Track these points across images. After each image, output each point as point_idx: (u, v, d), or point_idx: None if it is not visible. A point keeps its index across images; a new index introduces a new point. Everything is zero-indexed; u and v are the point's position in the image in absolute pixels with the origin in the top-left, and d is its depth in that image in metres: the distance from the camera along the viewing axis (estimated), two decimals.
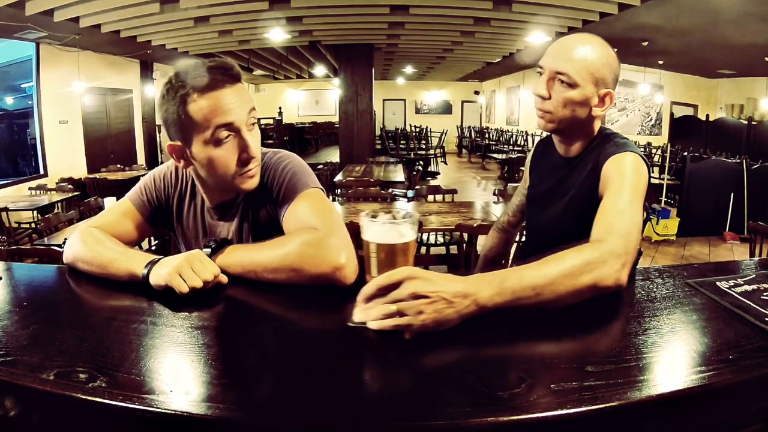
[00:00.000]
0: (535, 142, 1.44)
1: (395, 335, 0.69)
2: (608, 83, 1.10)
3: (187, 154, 0.98)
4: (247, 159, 0.98)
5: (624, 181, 1.00)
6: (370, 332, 0.70)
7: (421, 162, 10.78)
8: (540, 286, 0.74)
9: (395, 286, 0.70)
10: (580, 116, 1.11)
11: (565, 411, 0.54)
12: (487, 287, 0.72)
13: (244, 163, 0.98)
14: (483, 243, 1.71)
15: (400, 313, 0.68)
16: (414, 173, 7.68)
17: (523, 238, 1.66)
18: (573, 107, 1.10)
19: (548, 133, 1.25)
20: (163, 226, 1.19)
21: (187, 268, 0.85)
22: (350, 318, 0.74)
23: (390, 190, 4.67)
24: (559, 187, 1.22)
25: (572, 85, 1.08)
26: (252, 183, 1.02)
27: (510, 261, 1.66)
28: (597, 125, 1.17)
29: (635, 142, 9.75)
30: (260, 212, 1.09)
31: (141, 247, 1.21)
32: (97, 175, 6.71)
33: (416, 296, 0.68)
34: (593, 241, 0.86)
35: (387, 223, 0.75)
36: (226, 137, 0.95)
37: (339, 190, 5.02)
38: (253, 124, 1.00)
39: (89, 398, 0.57)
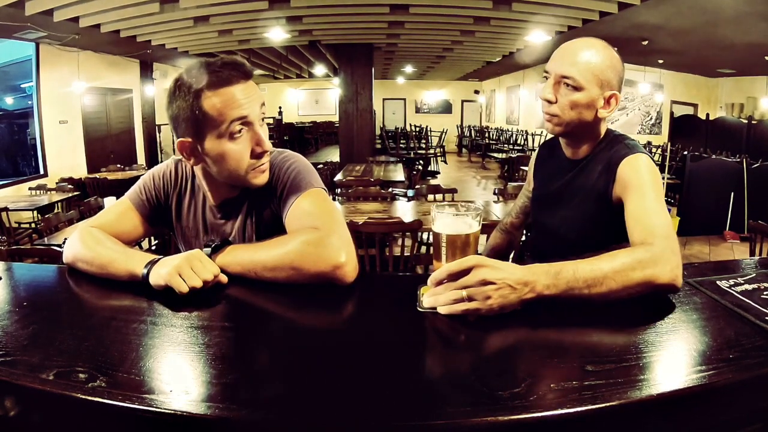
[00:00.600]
0: (538, 145, 1.46)
1: (460, 320, 0.75)
2: (613, 85, 1.12)
3: (199, 150, 0.99)
4: (261, 152, 0.99)
5: (646, 184, 1.03)
6: (440, 316, 0.76)
7: (421, 161, 10.77)
8: (591, 278, 0.79)
9: (465, 272, 0.76)
10: (587, 118, 1.13)
11: (565, 410, 0.54)
12: (544, 277, 0.77)
13: (258, 156, 1.00)
14: (483, 242, 1.71)
15: (468, 298, 0.75)
16: (414, 173, 7.68)
17: (523, 238, 1.66)
18: (579, 109, 1.12)
19: (552, 136, 1.26)
20: (163, 225, 1.19)
21: (186, 268, 0.85)
22: (419, 304, 0.80)
23: (390, 190, 4.66)
24: (568, 188, 1.24)
25: (578, 88, 1.10)
26: (263, 178, 1.03)
27: (510, 261, 1.66)
28: (604, 127, 1.20)
29: None
30: (264, 211, 1.09)
31: (141, 247, 1.21)
32: (97, 175, 6.69)
33: (485, 282, 0.75)
34: (640, 243, 0.90)
35: (456, 215, 0.83)
36: (240, 131, 0.96)
37: (339, 190, 5.02)
38: (264, 119, 1.01)
39: (89, 398, 0.57)
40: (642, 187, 1.02)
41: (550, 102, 1.14)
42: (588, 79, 1.09)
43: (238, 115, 0.94)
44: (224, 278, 0.90)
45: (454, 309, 0.75)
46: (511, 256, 1.66)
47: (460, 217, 0.83)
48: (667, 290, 0.83)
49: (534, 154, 1.43)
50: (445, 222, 0.83)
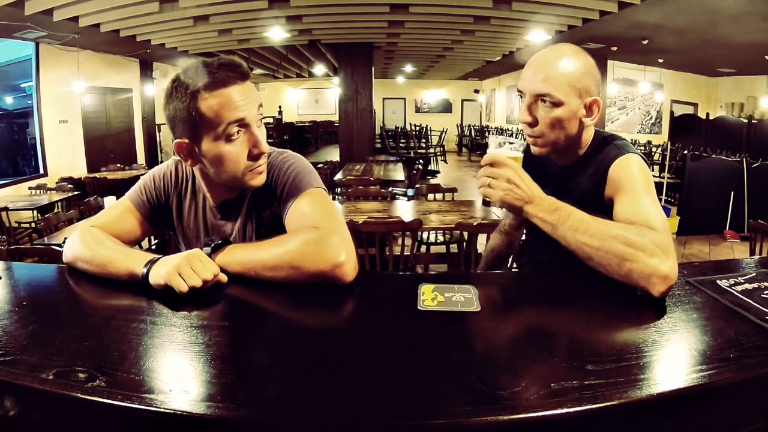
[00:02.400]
0: (524, 150, 1.41)
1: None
2: (592, 91, 1.07)
3: (196, 151, 0.98)
4: (258, 154, 0.99)
5: (638, 184, 1.01)
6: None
7: (421, 161, 10.77)
8: (575, 228, 0.90)
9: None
10: (572, 131, 1.09)
11: (565, 410, 0.54)
12: (545, 204, 0.96)
13: (255, 158, 0.99)
14: (483, 242, 1.71)
15: (489, 185, 0.99)
16: (414, 172, 7.67)
17: (524, 237, 1.65)
18: (562, 125, 1.07)
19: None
20: (164, 225, 1.19)
21: (186, 268, 0.85)
22: (420, 303, 0.83)
23: (390, 189, 4.66)
24: (559, 193, 1.17)
25: (557, 104, 1.05)
26: (261, 179, 1.03)
27: (510, 261, 1.66)
28: (591, 130, 1.15)
29: (635, 141, 9.77)
30: (264, 211, 1.09)
31: (141, 247, 1.21)
32: (96, 175, 6.69)
33: (509, 181, 0.96)
34: (637, 226, 0.89)
35: (504, 145, 1.04)
36: (237, 133, 0.95)
37: (339, 189, 5.02)
38: (261, 120, 1.00)
39: (89, 398, 0.57)
40: (634, 187, 1.00)
41: (530, 124, 1.09)
42: (565, 92, 1.04)
43: (235, 117, 0.94)
44: (224, 278, 0.90)
45: (480, 189, 1.00)
46: (511, 258, 1.65)
47: (507, 146, 1.03)
48: (646, 286, 0.81)
49: (521, 158, 1.40)
50: (494, 149, 1.04)
